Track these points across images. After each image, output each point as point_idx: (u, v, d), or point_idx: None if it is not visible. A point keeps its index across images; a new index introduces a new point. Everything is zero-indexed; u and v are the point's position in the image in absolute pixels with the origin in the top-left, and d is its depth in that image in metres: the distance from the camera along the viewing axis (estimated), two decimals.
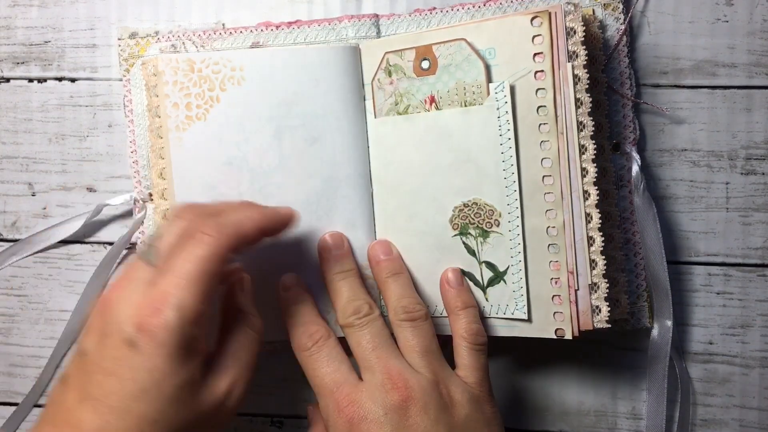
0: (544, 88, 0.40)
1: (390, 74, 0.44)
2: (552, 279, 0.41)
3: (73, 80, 0.50)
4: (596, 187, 0.41)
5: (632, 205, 0.45)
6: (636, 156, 0.45)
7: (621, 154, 0.46)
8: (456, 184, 0.43)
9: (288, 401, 0.50)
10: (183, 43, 0.47)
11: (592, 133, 0.40)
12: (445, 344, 0.42)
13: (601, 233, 0.41)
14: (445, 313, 0.43)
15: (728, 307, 0.47)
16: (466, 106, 0.42)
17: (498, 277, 0.42)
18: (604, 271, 0.41)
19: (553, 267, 0.41)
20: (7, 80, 0.50)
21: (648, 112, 0.46)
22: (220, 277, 0.37)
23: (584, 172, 0.41)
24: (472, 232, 0.43)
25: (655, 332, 0.46)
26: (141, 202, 0.47)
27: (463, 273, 0.43)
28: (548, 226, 0.41)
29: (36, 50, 0.50)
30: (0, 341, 0.51)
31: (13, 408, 0.50)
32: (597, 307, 0.41)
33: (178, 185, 0.45)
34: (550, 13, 0.40)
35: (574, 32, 0.41)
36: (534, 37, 0.40)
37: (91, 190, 0.50)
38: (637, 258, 0.46)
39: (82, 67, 0.49)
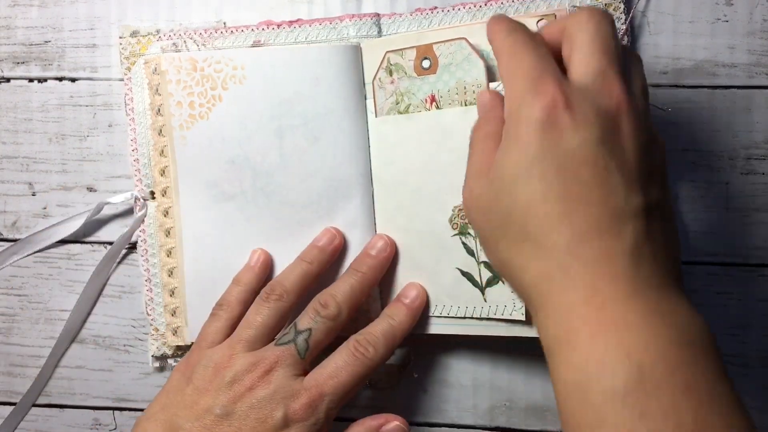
0: None
1: (391, 73, 0.44)
2: None
3: (73, 80, 0.50)
4: None
5: None
6: None
7: None
8: (456, 184, 0.42)
9: None
10: (184, 41, 0.47)
11: None
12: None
13: None
14: (444, 313, 0.44)
15: (728, 307, 0.47)
16: (466, 105, 0.42)
17: (496, 277, 0.42)
18: None
19: None
20: (8, 80, 0.50)
21: None
22: None
23: None
24: (472, 232, 0.43)
25: None
26: (142, 200, 0.47)
27: (462, 273, 0.43)
28: None
29: (36, 50, 0.50)
30: (0, 341, 0.51)
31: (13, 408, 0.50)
32: None
33: (182, 183, 0.45)
34: (555, 16, 0.40)
35: None
36: None
37: (91, 189, 0.50)
38: None
39: (82, 66, 0.49)
